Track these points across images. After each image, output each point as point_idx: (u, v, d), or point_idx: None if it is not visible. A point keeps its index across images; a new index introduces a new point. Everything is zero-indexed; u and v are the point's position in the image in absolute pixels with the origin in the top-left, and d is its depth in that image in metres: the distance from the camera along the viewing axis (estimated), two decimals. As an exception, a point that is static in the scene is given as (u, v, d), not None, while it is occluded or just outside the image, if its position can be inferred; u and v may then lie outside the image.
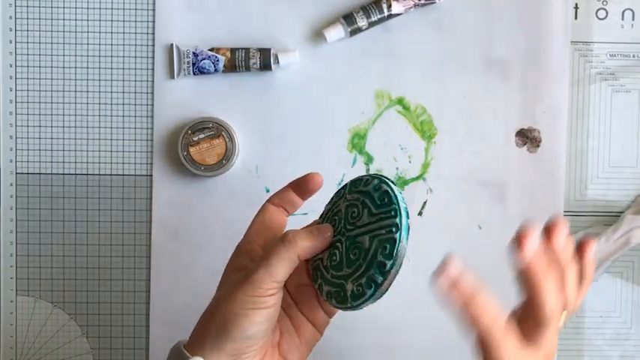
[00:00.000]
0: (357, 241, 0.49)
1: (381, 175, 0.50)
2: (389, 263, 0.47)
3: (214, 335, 0.49)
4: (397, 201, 0.47)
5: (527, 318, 0.49)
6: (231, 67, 0.72)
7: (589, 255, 0.51)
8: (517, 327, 0.49)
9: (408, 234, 0.47)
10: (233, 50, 0.71)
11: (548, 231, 0.50)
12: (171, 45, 0.72)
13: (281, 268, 0.49)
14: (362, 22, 0.71)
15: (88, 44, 0.73)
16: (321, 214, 0.54)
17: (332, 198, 0.54)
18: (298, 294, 0.54)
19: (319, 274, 0.51)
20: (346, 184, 0.53)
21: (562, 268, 0.49)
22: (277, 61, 0.72)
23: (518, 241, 0.47)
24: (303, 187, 0.54)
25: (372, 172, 0.74)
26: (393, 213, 0.47)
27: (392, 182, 0.49)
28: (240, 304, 0.49)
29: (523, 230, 0.47)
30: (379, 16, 0.71)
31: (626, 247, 0.72)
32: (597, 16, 0.74)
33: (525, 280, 0.48)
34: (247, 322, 0.48)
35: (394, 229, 0.47)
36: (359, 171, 0.74)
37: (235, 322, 0.48)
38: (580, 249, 0.51)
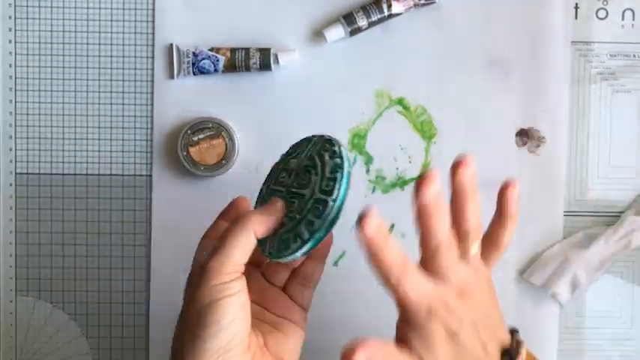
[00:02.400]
0: (294, 197, 0.49)
1: (345, 160, 0.48)
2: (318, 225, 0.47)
3: (190, 341, 0.47)
4: (342, 194, 0.47)
5: (422, 252, 0.48)
6: (231, 67, 0.72)
7: (509, 193, 0.51)
8: (420, 265, 0.48)
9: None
10: (233, 50, 0.71)
11: (454, 168, 0.49)
12: (171, 45, 0.72)
13: (238, 249, 0.47)
14: (362, 21, 0.71)
15: (87, 44, 0.73)
16: (284, 161, 0.52)
17: (302, 143, 0.52)
18: (264, 299, 0.53)
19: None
20: (317, 140, 0.51)
21: (462, 199, 0.49)
22: (277, 61, 0.71)
23: (420, 184, 0.46)
24: (232, 215, 0.53)
25: (372, 172, 0.74)
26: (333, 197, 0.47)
27: (348, 171, 0.48)
28: (206, 297, 0.46)
29: (426, 175, 0.46)
30: (379, 16, 0.71)
31: (628, 249, 0.72)
32: (597, 16, 0.74)
33: (417, 216, 0.47)
34: (219, 314, 0.46)
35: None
36: (359, 171, 0.73)
37: (207, 317, 0.46)
38: (501, 189, 0.52)
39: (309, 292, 0.55)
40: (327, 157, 0.48)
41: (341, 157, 0.48)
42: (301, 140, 0.52)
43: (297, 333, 0.53)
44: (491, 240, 0.52)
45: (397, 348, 0.47)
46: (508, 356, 0.50)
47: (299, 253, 0.48)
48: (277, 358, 0.51)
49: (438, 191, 0.46)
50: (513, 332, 0.52)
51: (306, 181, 0.48)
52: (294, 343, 0.53)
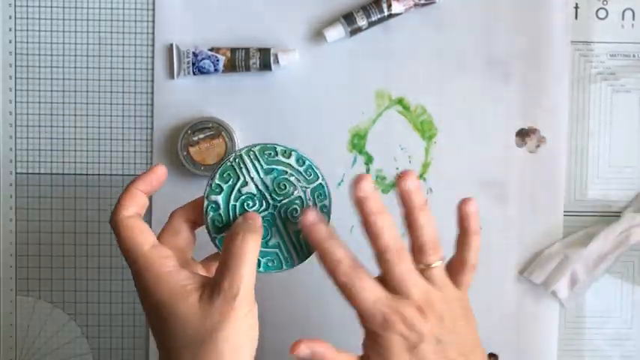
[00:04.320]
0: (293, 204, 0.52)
1: (294, 150, 0.52)
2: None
3: None
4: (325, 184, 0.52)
5: (377, 260, 0.49)
6: (231, 67, 0.72)
7: (468, 209, 0.52)
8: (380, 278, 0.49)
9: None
10: (233, 50, 0.71)
11: (398, 180, 0.50)
12: (171, 45, 0.72)
13: (253, 270, 0.48)
14: (362, 21, 0.71)
15: (88, 44, 0.73)
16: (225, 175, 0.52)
17: (231, 170, 0.52)
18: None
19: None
20: (252, 156, 0.52)
21: (413, 209, 0.50)
22: (277, 61, 0.71)
23: (356, 180, 0.49)
24: (154, 184, 0.52)
25: (372, 172, 0.74)
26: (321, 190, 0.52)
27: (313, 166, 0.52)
28: (241, 331, 0.47)
29: (361, 175, 0.49)
30: (379, 16, 0.71)
31: (626, 245, 0.71)
32: (597, 16, 0.74)
33: (361, 217, 0.49)
34: (253, 344, 0.47)
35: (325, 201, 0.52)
36: (359, 171, 0.73)
37: (243, 351, 0.47)
38: (459, 206, 0.52)
39: None
40: (283, 158, 0.52)
41: (292, 150, 0.52)
42: (222, 170, 0.52)
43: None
44: (459, 260, 0.52)
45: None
46: None
47: None
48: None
49: (373, 188, 0.49)
50: (493, 357, 0.52)
51: (288, 188, 0.51)
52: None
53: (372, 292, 0.47)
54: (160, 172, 0.52)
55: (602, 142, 0.74)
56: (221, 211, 0.51)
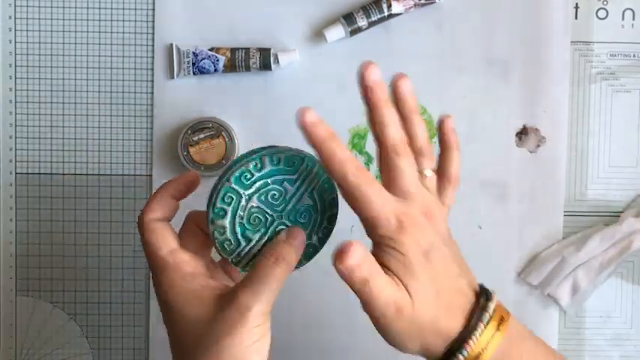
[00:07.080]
0: (300, 210, 0.50)
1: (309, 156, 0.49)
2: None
3: None
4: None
5: (380, 157, 0.48)
6: (231, 67, 0.72)
7: (447, 125, 0.52)
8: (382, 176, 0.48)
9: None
10: (233, 50, 0.71)
11: (394, 83, 0.49)
12: (171, 45, 0.73)
13: (278, 287, 0.46)
14: (362, 21, 0.71)
15: (87, 44, 0.73)
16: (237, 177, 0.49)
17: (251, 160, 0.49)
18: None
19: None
20: (276, 157, 0.49)
21: (407, 114, 0.49)
22: (277, 61, 0.72)
23: (364, 66, 0.47)
24: (183, 190, 0.51)
25: (372, 172, 0.74)
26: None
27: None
28: (246, 340, 0.45)
29: (367, 64, 0.47)
30: (379, 16, 0.71)
31: (627, 251, 0.71)
32: (597, 16, 0.74)
33: (369, 110, 0.48)
34: (261, 356, 0.46)
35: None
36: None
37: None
38: (439, 124, 0.52)
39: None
40: (259, 173, 0.49)
41: (257, 157, 0.49)
42: (245, 162, 0.49)
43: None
44: (442, 174, 0.51)
45: None
46: (484, 295, 0.48)
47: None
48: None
49: (380, 79, 0.47)
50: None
51: (281, 195, 0.50)
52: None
53: (381, 195, 0.45)
54: (191, 178, 0.52)
55: (602, 142, 0.74)
56: (228, 235, 0.50)
